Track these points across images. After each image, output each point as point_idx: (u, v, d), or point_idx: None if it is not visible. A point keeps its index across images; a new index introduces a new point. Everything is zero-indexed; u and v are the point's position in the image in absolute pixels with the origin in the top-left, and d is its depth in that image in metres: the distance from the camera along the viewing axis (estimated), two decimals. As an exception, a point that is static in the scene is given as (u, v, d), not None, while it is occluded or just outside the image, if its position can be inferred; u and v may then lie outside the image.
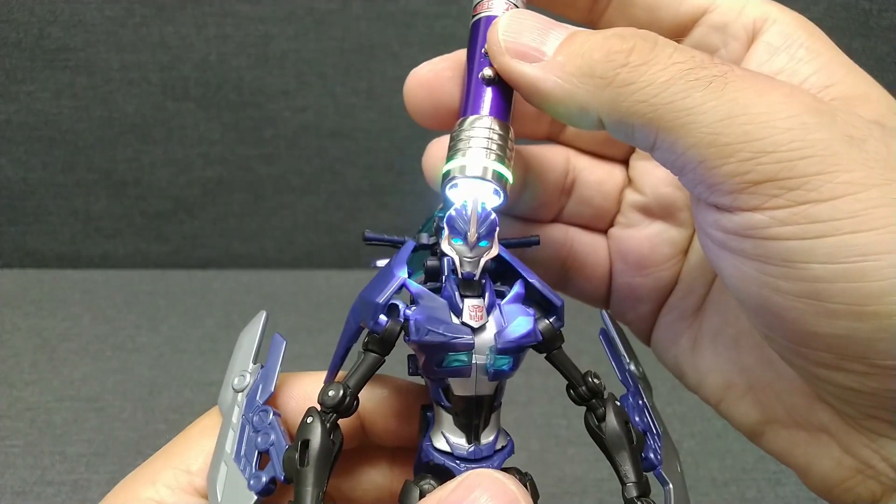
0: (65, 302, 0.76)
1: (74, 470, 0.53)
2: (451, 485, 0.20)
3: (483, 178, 0.23)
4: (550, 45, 0.24)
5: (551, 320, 0.23)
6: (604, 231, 0.34)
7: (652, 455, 0.25)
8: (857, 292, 0.21)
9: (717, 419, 0.53)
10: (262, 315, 0.25)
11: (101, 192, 0.81)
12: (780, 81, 0.23)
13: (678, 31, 0.28)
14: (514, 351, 0.21)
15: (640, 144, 0.24)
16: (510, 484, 0.20)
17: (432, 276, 0.23)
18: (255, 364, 0.24)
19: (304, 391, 0.25)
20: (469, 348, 0.20)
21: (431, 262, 0.23)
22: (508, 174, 0.24)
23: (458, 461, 0.21)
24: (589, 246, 0.33)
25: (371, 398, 0.26)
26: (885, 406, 0.23)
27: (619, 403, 0.25)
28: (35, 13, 0.72)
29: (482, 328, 0.21)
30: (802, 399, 0.27)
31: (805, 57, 0.26)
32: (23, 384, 0.63)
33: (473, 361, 0.21)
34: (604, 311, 0.30)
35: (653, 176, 0.31)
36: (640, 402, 0.27)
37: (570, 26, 0.25)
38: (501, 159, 0.24)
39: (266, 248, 0.85)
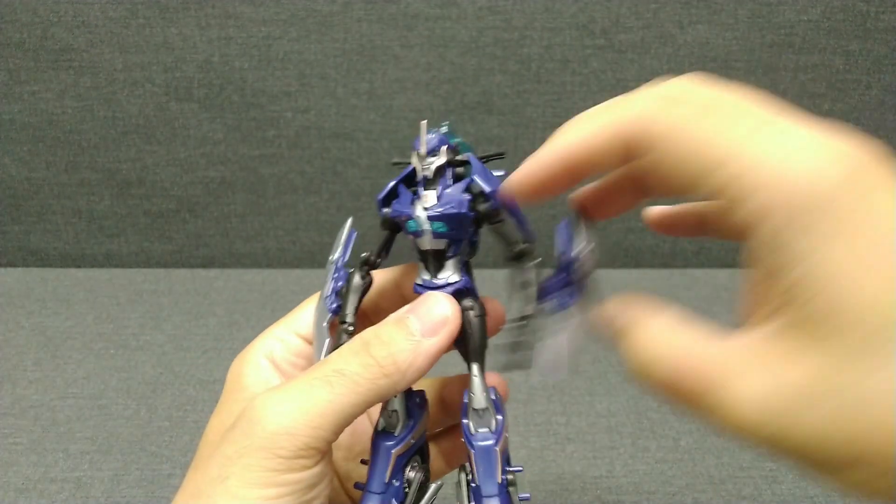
0: (68, 300, 0.77)
1: (78, 467, 0.53)
2: (417, 300, 0.29)
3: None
4: None
5: (487, 203, 0.30)
6: None
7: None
8: None
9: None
10: (349, 220, 0.35)
11: (105, 191, 0.82)
12: None
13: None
14: (440, 218, 0.29)
15: None
16: (447, 300, 0.29)
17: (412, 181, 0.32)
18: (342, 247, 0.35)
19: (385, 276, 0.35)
20: (409, 218, 0.29)
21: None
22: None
23: (424, 288, 0.31)
24: None
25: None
26: None
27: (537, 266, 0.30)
28: (39, 14, 0.73)
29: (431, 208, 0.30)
30: None
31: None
32: (26, 382, 0.63)
33: (422, 227, 0.29)
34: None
35: None
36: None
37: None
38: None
39: (268, 248, 0.85)
